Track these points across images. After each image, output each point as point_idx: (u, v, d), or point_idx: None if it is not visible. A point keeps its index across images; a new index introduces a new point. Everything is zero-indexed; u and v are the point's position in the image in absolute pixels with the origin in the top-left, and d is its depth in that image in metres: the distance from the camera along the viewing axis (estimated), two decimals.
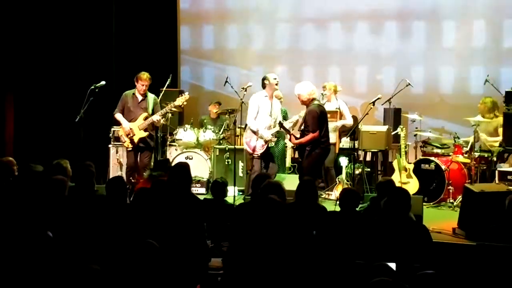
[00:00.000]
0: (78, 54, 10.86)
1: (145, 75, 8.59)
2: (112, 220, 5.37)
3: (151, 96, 8.72)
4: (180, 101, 8.73)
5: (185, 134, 9.70)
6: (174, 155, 9.61)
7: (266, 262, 4.31)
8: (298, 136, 7.98)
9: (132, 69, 8.98)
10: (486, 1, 10.10)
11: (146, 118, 8.58)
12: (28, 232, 4.77)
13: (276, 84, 8.39)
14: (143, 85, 8.59)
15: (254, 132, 8.31)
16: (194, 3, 11.76)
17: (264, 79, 8.43)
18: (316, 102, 7.93)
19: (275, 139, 8.54)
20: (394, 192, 5.29)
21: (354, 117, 9.75)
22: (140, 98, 8.67)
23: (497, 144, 8.61)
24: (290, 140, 8.16)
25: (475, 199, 6.58)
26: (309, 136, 7.74)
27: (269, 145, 8.37)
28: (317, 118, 7.73)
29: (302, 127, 7.98)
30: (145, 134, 8.59)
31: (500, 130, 8.66)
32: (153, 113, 8.62)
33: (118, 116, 8.70)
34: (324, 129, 7.82)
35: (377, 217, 5.28)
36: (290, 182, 8.53)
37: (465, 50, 10.16)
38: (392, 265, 3.99)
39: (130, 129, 8.57)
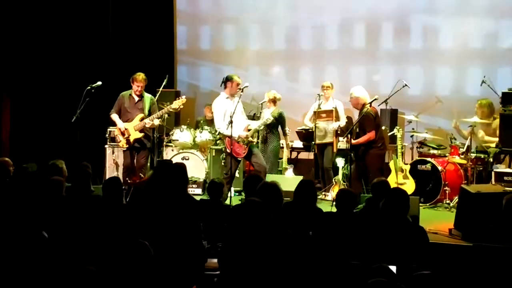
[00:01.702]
0: (74, 54, 10.84)
1: (140, 76, 8.57)
2: (108, 221, 5.36)
3: (147, 97, 8.70)
4: (176, 104, 8.69)
5: (182, 135, 9.69)
6: (170, 155, 9.59)
7: (261, 263, 4.30)
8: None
9: (129, 69, 8.97)
10: (482, 1, 10.10)
11: (142, 119, 8.57)
12: (24, 232, 4.76)
13: (241, 90, 8.31)
14: (138, 86, 8.57)
15: (229, 137, 8.28)
16: (191, 3, 11.75)
17: (228, 79, 8.44)
18: (368, 106, 8.29)
19: (254, 140, 8.59)
20: (393, 193, 5.29)
21: (350, 118, 9.75)
22: (136, 99, 8.66)
23: (493, 145, 8.62)
24: (348, 141, 8.39)
25: (472, 200, 6.58)
26: (366, 136, 8.21)
27: (250, 145, 8.46)
28: (373, 120, 8.21)
29: (357, 130, 8.38)
30: (140, 135, 8.57)
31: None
32: (149, 114, 8.61)
33: (114, 116, 8.69)
34: (379, 130, 8.30)
35: (375, 217, 5.27)
36: (285, 182, 8.56)
37: (461, 51, 10.17)
38: (392, 268, 3.98)
39: (126, 129, 8.55)
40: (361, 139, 8.26)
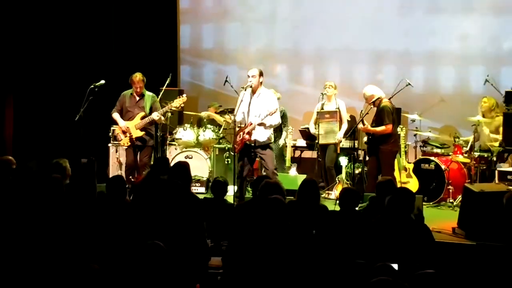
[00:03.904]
0: (78, 53, 10.85)
1: (137, 77, 8.62)
2: (112, 219, 5.37)
3: (148, 95, 8.72)
4: (177, 102, 8.71)
5: (185, 134, 9.69)
6: (173, 154, 9.61)
7: (266, 261, 4.31)
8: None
9: (132, 68, 8.98)
10: (486, 0, 10.08)
11: (143, 118, 8.59)
12: (28, 230, 4.77)
13: (245, 89, 7.94)
14: (137, 88, 8.64)
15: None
16: (194, 2, 11.75)
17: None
18: (384, 100, 8.33)
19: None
20: (398, 192, 5.29)
21: (353, 117, 9.75)
22: (137, 97, 8.69)
23: (496, 143, 8.60)
24: (362, 127, 8.32)
25: (475, 199, 6.57)
26: (383, 127, 8.20)
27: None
28: (391, 113, 8.26)
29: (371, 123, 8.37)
30: (141, 133, 8.60)
31: (501, 129, 8.65)
32: (150, 112, 8.62)
33: (115, 115, 8.73)
34: (394, 126, 8.34)
35: (379, 216, 5.27)
36: (288, 181, 8.55)
37: (465, 49, 10.15)
38: (394, 266, 3.98)
39: (127, 128, 8.58)
40: (379, 129, 8.21)
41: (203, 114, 10.10)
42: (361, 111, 8.58)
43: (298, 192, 5.90)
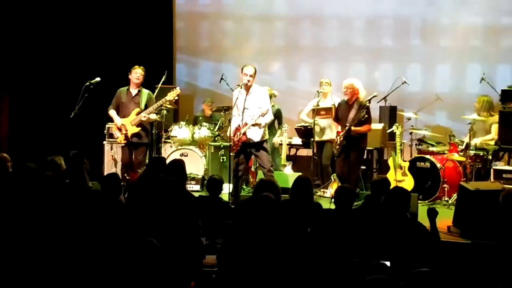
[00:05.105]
0: (73, 51, 10.82)
1: (137, 67, 8.59)
2: (107, 217, 5.35)
3: (145, 92, 8.69)
4: (171, 95, 8.64)
5: (180, 131, 9.69)
6: (169, 152, 9.60)
7: (261, 259, 4.30)
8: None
9: (127, 66, 8.95)
10: None
11: (138, 113, 8.56)
12: (23, 228, 4.75)
13: (240, 87, 7.97)
14: (137, 73, 8.55)
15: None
16: (190, 0, 11.73)
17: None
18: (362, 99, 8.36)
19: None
20: (394, 191, 5.29)
21: None
22: (134, 93, 8.65)
23: (492, 142, 8.62)
24: (349, 130, 8.10)
25: (470, 197, 6.58)
26: (367, 126, 8.24)
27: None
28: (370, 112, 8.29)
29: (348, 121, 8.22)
30: (137, 129, 8.56)
31: (493, 128, 8.67)
32: (146, 108, 8.58)
33: (112, 112, 8.69)
34: None
35: (375, 214, 5.27)
36: (284, 179, 8.55)
37: (461, 48, 10.16)
38: (387, 263, 3.99)
39: (123, 125, 8.55)
40: (363, 128, 8.19)
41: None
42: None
43: (291, 190, 5.91)
